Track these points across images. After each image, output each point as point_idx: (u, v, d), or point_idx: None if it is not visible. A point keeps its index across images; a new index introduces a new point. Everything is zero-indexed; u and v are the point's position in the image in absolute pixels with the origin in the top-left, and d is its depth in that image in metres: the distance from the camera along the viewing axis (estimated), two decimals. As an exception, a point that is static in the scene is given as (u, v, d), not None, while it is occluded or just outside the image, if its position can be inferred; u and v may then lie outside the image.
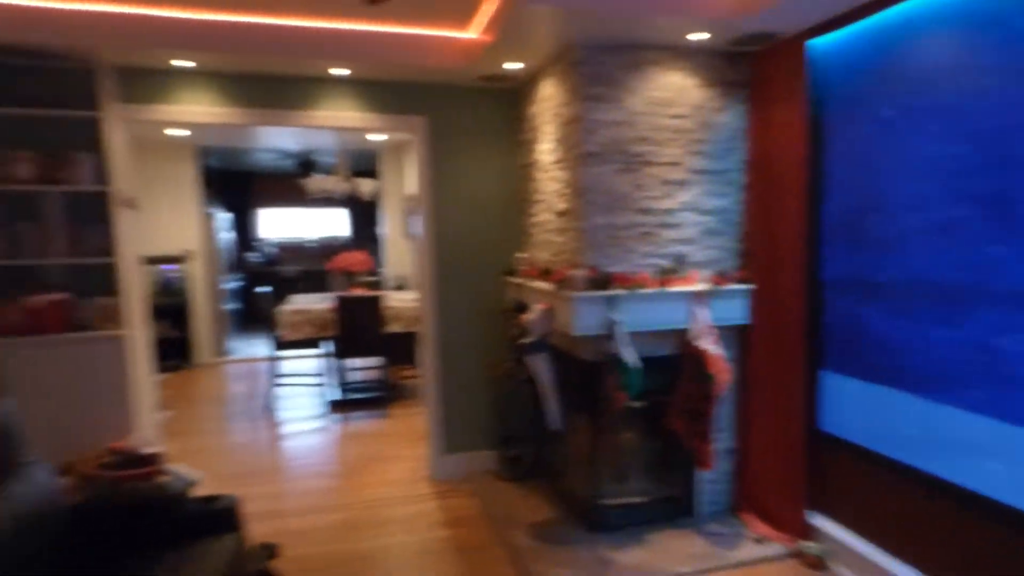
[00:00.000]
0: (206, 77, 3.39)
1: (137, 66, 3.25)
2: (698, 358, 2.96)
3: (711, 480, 3.27)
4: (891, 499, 2.57)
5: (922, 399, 2.38)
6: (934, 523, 2.39)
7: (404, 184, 7.45)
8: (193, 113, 3.42)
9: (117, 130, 3.27)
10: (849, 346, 2.70)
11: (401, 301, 5.49)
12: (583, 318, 2.85)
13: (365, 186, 5.47)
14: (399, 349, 5.49)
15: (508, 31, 2.73)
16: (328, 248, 10.59)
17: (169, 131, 5.64)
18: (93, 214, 3.22)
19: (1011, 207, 2.03)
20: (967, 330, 2.19)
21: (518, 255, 3.76)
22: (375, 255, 9.72)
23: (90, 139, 3.17)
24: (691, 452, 3.07)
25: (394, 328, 5.31)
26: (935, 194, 2.27)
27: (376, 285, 6.59)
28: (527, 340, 3.17)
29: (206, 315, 7.23)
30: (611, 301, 2.86)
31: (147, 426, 3.51)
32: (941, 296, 2.27)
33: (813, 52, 2.74)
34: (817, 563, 2.81)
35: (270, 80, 3.47)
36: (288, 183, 9.45)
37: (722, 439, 3.24)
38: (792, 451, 2.94)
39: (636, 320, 2.92)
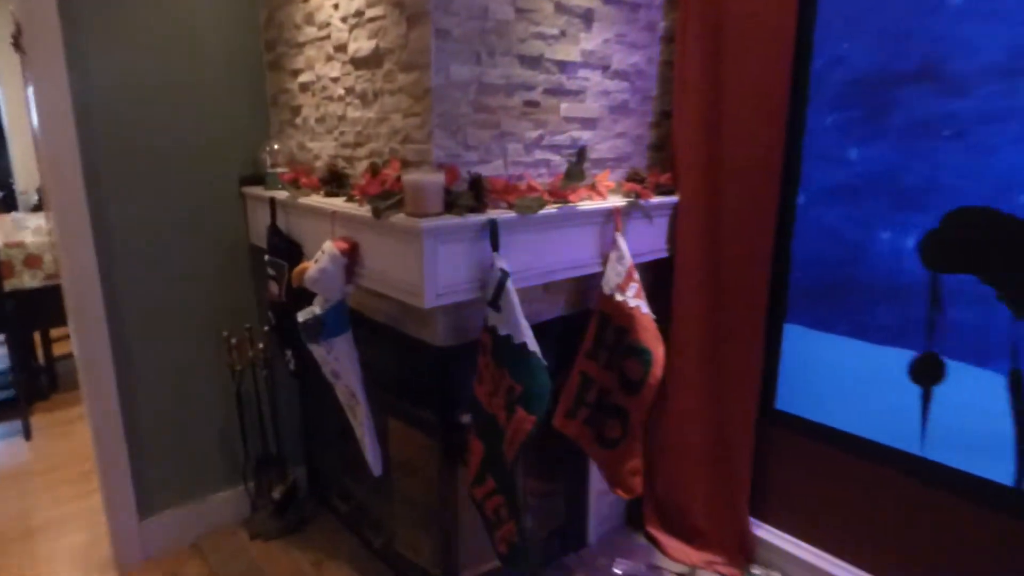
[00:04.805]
0: None
1: None
2: (620, 323, 1.77)
3: (600, 491, 2.20)
4: (873, 499, 1.78)
5: (958, 364, 1.55)
6: (928, 523, 1.66)
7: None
8: None
9: None
10: (838, 290, 1.76)
11: (39, 234, 3.24)
12: (443, 269, 1.41)
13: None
14: (41, 314, 3.27)
15: None
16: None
17: None
18: None
19: None
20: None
21: (268, 147, 2.06)
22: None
23: None
24: (602, 468, 1.93)
25: (26, 281, 3.09)
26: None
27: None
28: (308, 315, 1.62)
29: None
30: (493, 233, 1.46)
31: None
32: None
33: None
34: (772, 596, 1.97)
35: None
36: None
37: (611, 425, 2.15)
38: (736, 441, 2.00)
39: (526, 264, 1.59)
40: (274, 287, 1.96)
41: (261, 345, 2.17)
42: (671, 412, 2.08)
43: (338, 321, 1.64)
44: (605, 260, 1.77)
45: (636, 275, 1.76)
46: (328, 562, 2.11)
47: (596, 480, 2.14)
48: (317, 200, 1.73)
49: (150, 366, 2.09)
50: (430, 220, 1.37)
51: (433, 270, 1.40)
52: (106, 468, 2.07)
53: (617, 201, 1.76)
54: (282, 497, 2.24)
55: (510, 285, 1.46)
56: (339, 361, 1.66)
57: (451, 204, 1.44)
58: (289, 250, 1.89)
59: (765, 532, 2.05)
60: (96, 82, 1.85)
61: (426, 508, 1.86)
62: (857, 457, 1.80)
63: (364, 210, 1.51)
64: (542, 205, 1.53)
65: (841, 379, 1.79)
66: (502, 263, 1.46)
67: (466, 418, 1.70)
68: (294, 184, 1.89)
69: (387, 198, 1.46)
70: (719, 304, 1.94)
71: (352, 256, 1.60)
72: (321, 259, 1.58)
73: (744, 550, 2.05)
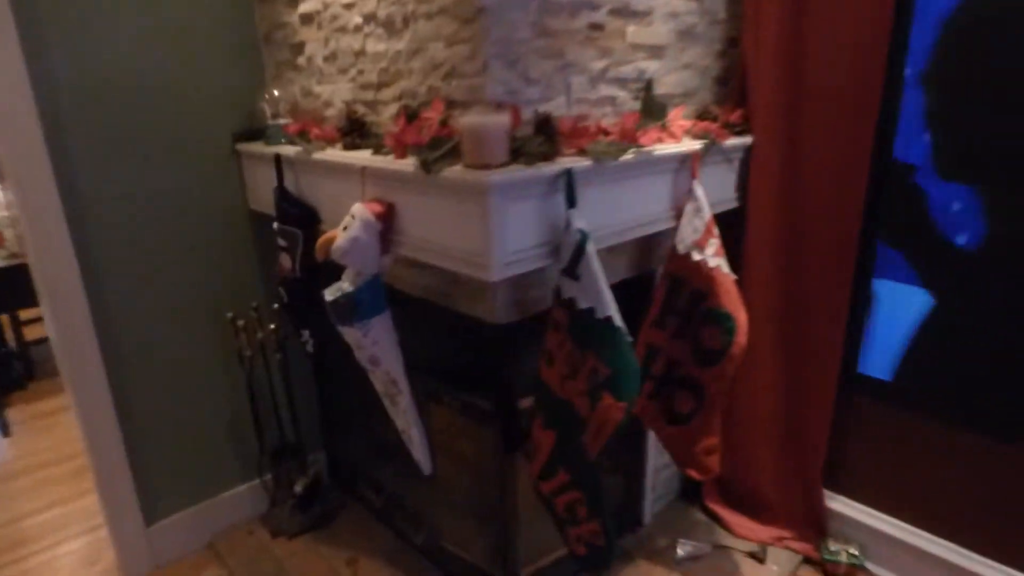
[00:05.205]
0: None
1: None
2: (696, 286, 1.54)
3: (657, 466, 2.01)
4: (965, 467, 1.62)
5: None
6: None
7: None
8: None
9: None
10: (943, 232, 1.55)
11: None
12: (512, 232, 1.16)
13: None
14: (6, 295, 2.95)
15: None
16: None
17: None
18: None
19: None
20: None
21: (267, 95, 1.75)
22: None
23: None
24: (671, 446, 1.73)
25: (-13, 260, 2.76)
26: None
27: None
28: (338, 292, 1.36)
29: None
30: (569, 185, 1.20)
31: None
32: None
33: None
34: (850, 574, 1.82)
35: None
36: None
37: (682, 399, 1.94)
38: (812, 409, 1.81)
39: (599, 221, 1.33)
40: (286, 260, 1.68)
41: (272, 326, 1.91)
42: (739, 380, 1.87)
43: (374, 299, 1.38)
44: (678, 213, 1.52)
45: (716, 230, 1.52)
46: (364, 559, 1.91)
47: (654, 456, 1.95)
48: (337, 155, 1.44)
49: (144, 355, 1.82)
50: (496, 173, 1.11)
51: (502, 234, 1.14)
52: (103, 473, 1.81)
53: (691, 144, 1.50)
54: (305, 490, 2.01)
55: (590, 248, 1.21)
56: (378, 345, 1.41)
57: (517, 152, 1.18)
58: (302, 216, 1.61)
59: (840, 504, 1.88)
60: (48, 23, 1.51)
61: (475, 500, 1.66)
62: (948, 422, 1.63)
63: (405, 164, 1.24)
64: (623, 150, 1.26)
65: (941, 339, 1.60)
66: (580, 222, 1.21)
67: (526, 403, 1.47)
68: (303, 137, 1.60)
69: (437, 147, 1.18)
70: (798, 259, 1.72)
71: (388, 221, 1.33)
72: (352, 226, 1.30)
73: (816, 524, 1.89)
